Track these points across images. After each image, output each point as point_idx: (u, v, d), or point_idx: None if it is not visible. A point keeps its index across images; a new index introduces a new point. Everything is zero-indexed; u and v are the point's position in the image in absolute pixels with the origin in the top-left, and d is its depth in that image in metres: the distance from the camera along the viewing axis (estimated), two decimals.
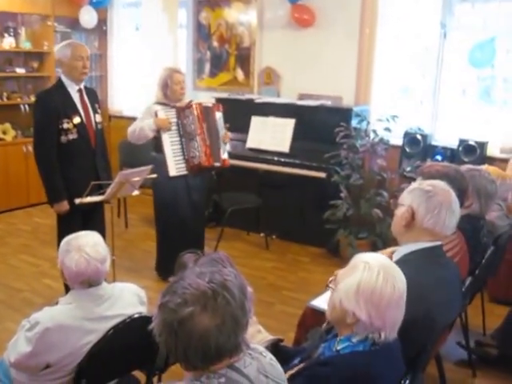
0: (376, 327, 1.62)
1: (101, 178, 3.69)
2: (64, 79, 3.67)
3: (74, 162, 3.67)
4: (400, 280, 1.66)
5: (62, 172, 3.64)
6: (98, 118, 3.82)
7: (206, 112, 4.37)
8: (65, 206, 3.67)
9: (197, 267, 1.31)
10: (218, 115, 4.46)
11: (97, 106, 3.83)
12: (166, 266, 4.35)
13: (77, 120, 3.64)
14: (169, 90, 4.27)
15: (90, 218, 3.85)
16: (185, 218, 4.37)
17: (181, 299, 1.25)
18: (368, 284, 1.62)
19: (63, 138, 3.61)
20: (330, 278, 1.78)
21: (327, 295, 1.81)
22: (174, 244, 4.33)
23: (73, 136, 3.63)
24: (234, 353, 1.31)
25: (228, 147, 4.69)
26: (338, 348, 1.69)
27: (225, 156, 4.51)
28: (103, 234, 3.76)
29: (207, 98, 6.05)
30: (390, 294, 1.62)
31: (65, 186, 3.65)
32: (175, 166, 4.23)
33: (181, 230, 4.35)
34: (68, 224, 3.64)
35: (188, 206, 4.37)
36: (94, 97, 3.88)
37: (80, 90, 3.71)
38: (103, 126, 3.93)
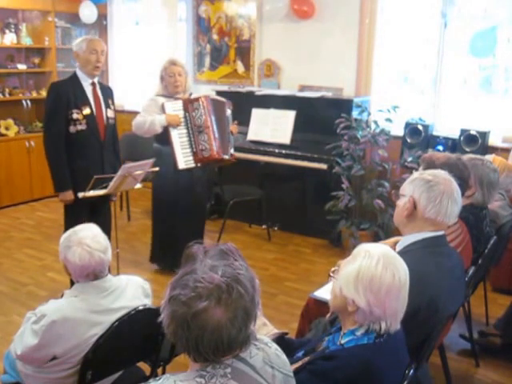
0: (376, 316, 1.62)
1: (105, 172, 3.71)
2: (78, 72, 3.75)
3: (81, 152, 3.70)
4: (401, 270, 1.65)
5: (70, 162, 3.68)
6: (110, 113, 3.85)
7: (216, 105, 4.37)
8: (70, 195, 3.69)
9: (208, 259, 1.30)
10: (228, 112, 4.48)
11: (110, 101, 3.87)
12: (163, 256, 4.45)
13: (87, 111, 3.68)
14: (165, 82, 4.29)
15: (97, 211, 3.87)
16: (186, 209, 4.37)
17: (194, 293, 1.23)
18: (367, 271, 1.62)
19: (72, 128, 3.65)
20: (333, 269, 1.78)
21: (330, 286, 1.81)
22: (173, 235, 4.37)
23: (81, 127, 3.67)
24: (244, 345, 1.32)
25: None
26: (343, 342, 1.69)
27: (232, 151, 4.51)
28: (110, 227, 3.84)
29: (207, 91, 6.05)
30: (390, 282, 1.61)
31: (71, 176, 3.68)
32: (184, 159, 4.20)
33: (181, 221, 4.36)
34: (75, 217, 3.65)
35: (191, 197, 4.36)
36: (109, 93, 3.92)
37: (93, 84, 3.77)
38: (116, 123, 3.96)
